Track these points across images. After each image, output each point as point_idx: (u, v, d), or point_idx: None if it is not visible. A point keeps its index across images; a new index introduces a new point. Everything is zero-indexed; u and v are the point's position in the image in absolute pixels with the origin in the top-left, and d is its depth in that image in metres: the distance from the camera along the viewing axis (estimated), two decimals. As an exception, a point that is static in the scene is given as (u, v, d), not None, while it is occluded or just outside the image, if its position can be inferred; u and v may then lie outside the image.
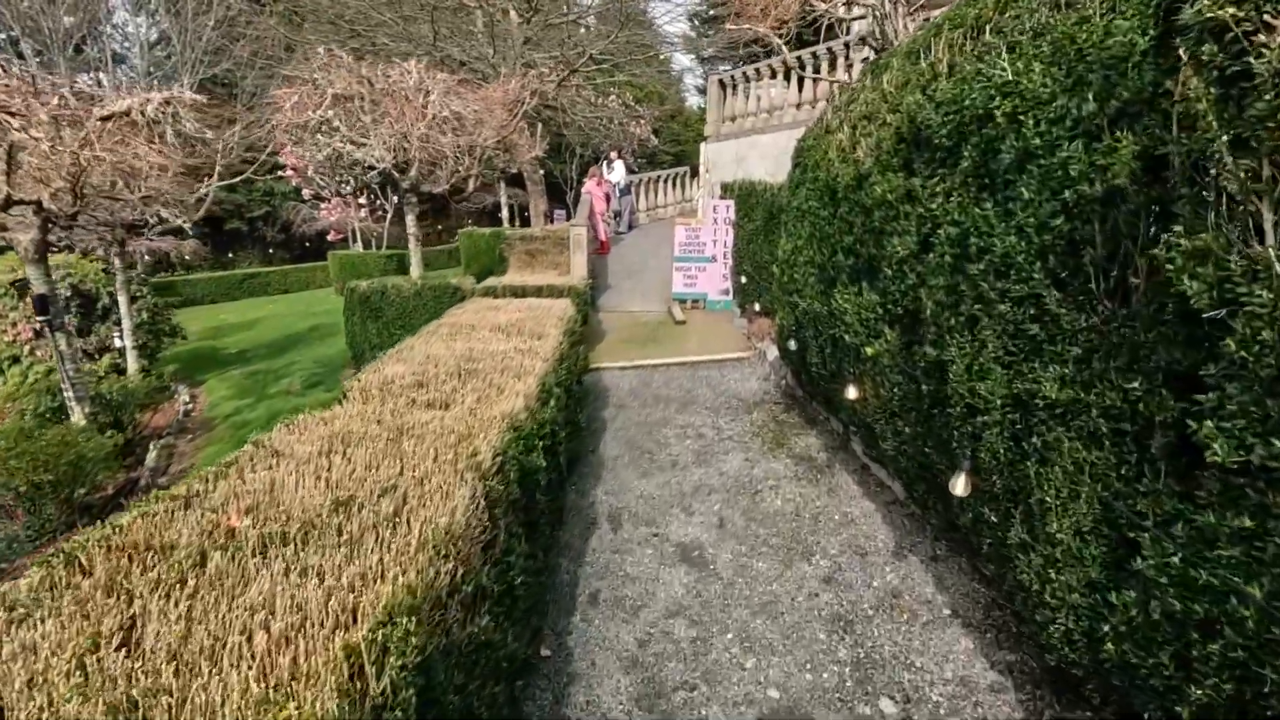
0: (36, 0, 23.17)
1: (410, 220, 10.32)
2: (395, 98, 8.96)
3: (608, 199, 15.47)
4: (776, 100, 12.69)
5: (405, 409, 3.33)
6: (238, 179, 12.06)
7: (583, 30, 22.87)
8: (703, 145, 14.67)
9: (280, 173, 14.01)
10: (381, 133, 8.49)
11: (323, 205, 20.41)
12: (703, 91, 36.92)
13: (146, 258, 24.63)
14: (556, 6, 20.52)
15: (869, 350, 3.65)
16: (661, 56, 28.39)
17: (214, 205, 28.37)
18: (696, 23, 33.27)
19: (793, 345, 5.27)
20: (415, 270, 10.36)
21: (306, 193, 20.39)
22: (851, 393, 3.97)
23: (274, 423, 3.17)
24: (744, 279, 9.22)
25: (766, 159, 12.72)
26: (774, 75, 12.78)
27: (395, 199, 21.43)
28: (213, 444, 7.98)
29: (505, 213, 20.87)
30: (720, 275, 10.06)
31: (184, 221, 9.24)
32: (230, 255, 29.51)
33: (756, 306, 8.65)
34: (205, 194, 9.53)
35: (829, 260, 4.42)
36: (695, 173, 20.94)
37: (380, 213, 23.23)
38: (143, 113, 5.86)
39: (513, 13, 17.59)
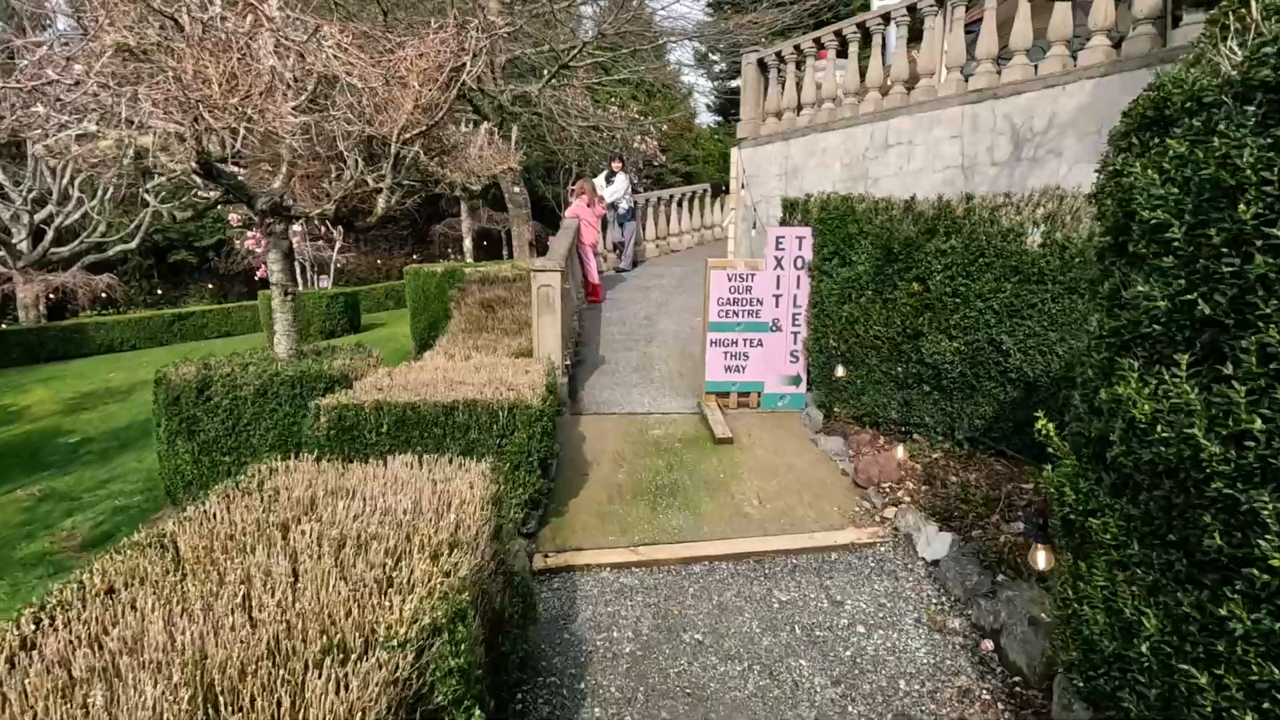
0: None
1: (274, 260, 6.24)
2: (215, 49, 4.98)
3: (603, 224, 11.40)
4: (848, 84, 8.74)
5: None
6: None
7: (581, 33, 19.29)
8: (734, 151, 10.67)
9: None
10: (144, 106, 4.46)
11: (248, 233, 16.40)
12: (715, 109, 33.20)
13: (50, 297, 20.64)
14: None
15: None
16: (669, 53, 24.71)
17: (156, 233, 24.44)
18: (709, 32, 29.72)
19: None
20: (282, 343, 6.27)
21: (233, 217, 16.48)
22: None
23: None
24: (840, 370, 5.10)
25: (834, 167, 8.72)
26: (844, 49, 8.84)
27: (339, 226, 17.49)
28: None
29: (468, 242, 16.64)
30: (786, 353, 5.94)
31: None
32: (159, 293, 25.49)
33: (894, 446, 4.49)
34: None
35: None
36: (716, 192, 17.02)
37: (326, 240, 19.23)
38: None
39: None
